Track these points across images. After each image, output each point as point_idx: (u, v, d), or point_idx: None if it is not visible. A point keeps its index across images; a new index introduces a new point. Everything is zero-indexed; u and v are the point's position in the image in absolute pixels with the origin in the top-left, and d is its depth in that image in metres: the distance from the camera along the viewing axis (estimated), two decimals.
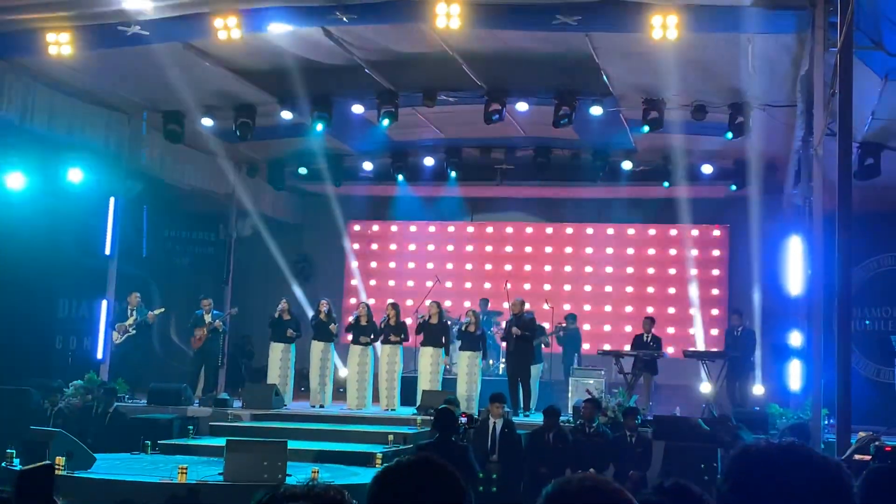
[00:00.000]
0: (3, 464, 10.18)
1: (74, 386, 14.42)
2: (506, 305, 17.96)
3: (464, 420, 10.80)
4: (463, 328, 15.67)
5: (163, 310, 16.83)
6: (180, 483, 9.49)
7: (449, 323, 16.52)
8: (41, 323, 18.70)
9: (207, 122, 15.64)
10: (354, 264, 21.86)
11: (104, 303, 16.12)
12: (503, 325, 16.63)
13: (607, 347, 17.17)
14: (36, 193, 16.98)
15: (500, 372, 16.89)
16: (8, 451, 10.28)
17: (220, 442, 10.80)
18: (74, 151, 15.74)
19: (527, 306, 16.05)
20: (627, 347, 16.40)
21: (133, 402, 14.68)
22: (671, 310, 20.32)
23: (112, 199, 16.28)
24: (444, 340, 15.64)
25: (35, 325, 18.25)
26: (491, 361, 17.73)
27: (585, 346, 18.32)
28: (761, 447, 1.91)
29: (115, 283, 16.18)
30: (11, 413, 13.12)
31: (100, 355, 15.85)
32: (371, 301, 17.74)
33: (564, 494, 2.04)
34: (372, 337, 15.88)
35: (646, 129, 14.73)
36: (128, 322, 15.69)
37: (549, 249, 21.20)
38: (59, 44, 12.18)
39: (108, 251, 16.23)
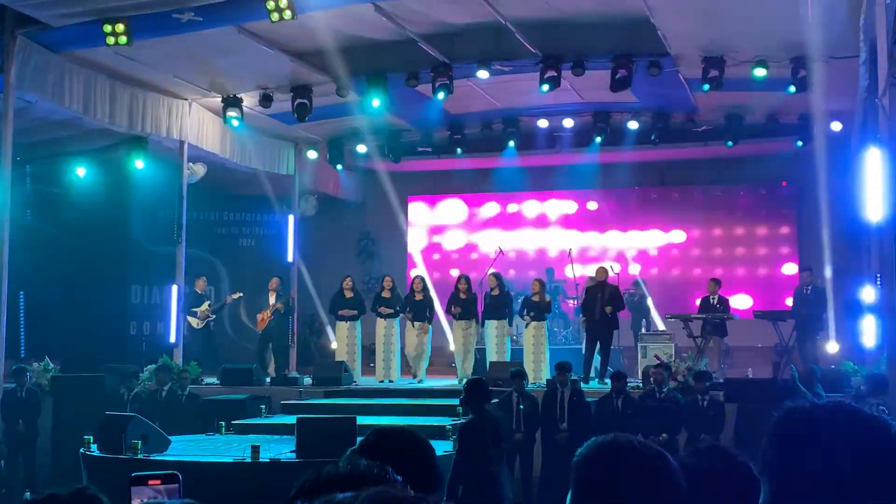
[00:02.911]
0: (81, 450, 10.43)
1: (150, 370, 14.69)
2: (569, 274, 17.90)
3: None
4: (530, 298, 15.62)
5: (240, 294, 17.18)
6: (253, 461, 9.64)
7: (512, 293, 16.46)
8: (115, 310, 19.18)
9: (265, 104, 15.76)
10: (416, 240, 21.95)
11: (174, 288, 16.39)
12: (581, 292, 16.35)
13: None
14: (104, 183, 17.36)
15: (565, 341, 16.80)
16: (85, 437, 10.54)
17: (292, 420, 10.92)
18: (138, 140, 16.00)
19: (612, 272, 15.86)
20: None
21: (205, 384, 14.91)
22: (740, 270, 20.05)
23: (178, 186, 16.50)
24: (507, 311, 15.59)
25: (109, 313, 18.71)
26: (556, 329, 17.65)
27: (653, 312, 18.19)
28: (806, 408, 1.86)
29: (185, 268, 16.44)
30: (88, 399, 13.43)
31: (172, 339, 16.12)
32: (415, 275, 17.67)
33: (594, 457, 1.99)
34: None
35: (706, 87, 14.45)
36: (203, 307, 16.03)
37: (611, 215, 21.02)
38: (117, 34, 12.32)
39: (175, 237, 16.49)
